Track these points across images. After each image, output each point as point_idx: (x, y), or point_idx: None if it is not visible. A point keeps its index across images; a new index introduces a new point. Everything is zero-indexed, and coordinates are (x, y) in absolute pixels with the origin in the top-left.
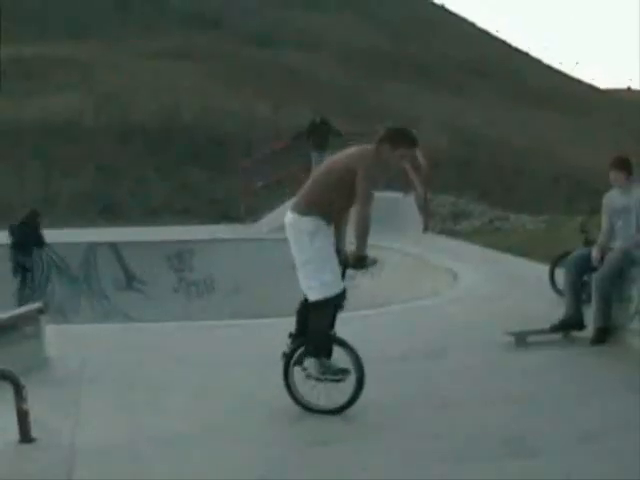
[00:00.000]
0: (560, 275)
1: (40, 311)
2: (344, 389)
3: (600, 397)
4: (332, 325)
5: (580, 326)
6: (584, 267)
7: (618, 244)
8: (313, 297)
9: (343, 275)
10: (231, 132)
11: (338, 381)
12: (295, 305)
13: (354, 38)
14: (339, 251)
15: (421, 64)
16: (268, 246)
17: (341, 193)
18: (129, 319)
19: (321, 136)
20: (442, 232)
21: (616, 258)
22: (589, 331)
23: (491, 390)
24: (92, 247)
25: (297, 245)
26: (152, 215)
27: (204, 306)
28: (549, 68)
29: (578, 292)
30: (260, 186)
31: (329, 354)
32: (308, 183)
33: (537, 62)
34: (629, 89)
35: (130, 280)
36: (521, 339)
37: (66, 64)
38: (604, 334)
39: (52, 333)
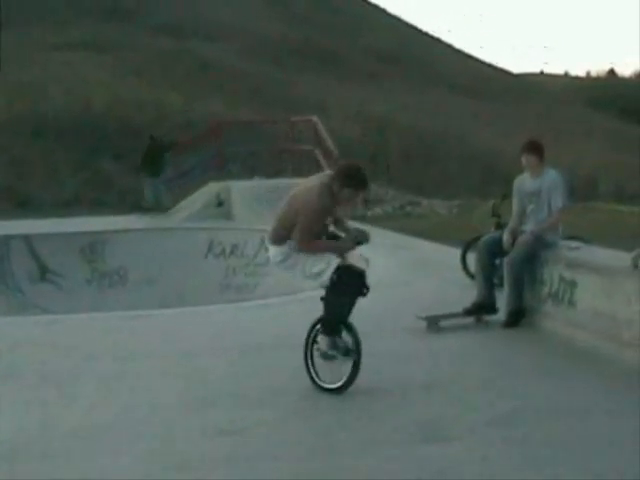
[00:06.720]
0: (472, 259)
1: None
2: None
3: (512, 381)
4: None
5: (492, 309)
6: (495, 251)
7: (529, 227)
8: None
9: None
10: (142, 123)
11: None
12: (206, 294)
13: (264, 28)
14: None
15: (330, 53)
16: (180, 236)
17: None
18: (44, 312)
19: (152, 161)
20: (353, 218)
21: (528, 241)
22: (502, 314)
23: (404, 376)
24: (5, 240)
25: (286, 269)
26: (64, 207)
27: (117, 297)
28: (459, 52)
29: (489, 275)
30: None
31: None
32: (276, 217)
33: (448, 47)
34: (542, 73)
35: (43, 272)
36: (433, 323)
37: None
38: (517, 317)
39: None
